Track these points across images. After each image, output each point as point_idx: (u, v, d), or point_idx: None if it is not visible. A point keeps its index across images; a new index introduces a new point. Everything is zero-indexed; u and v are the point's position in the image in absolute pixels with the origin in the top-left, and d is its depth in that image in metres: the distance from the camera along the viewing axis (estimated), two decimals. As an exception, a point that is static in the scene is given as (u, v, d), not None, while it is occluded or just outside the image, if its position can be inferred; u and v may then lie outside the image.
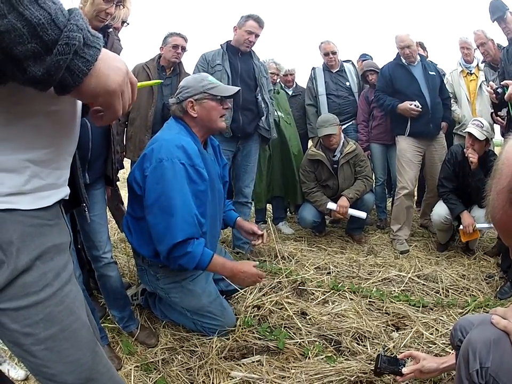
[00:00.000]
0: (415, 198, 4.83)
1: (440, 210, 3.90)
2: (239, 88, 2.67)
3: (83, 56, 0.80)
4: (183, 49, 3.97)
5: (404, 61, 4.30)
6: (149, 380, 2.28)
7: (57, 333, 1.01)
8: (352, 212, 4.19)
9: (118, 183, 3.05)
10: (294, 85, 5.26)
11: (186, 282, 2.59)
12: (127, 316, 2.66)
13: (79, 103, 1.08)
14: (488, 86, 3.51)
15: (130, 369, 2.35)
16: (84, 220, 2.26)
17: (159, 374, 2.31)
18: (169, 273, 2.56)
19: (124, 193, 6.70)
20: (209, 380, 2.21)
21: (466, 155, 3.71)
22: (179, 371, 2.31)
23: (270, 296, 2.98)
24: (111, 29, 2.36)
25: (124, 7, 2.06)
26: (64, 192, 1.11)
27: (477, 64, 4.50)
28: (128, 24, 3.13)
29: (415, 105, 4.11)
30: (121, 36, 3.11)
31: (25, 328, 0.97)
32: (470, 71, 4.55)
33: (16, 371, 2.34)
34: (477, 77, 4.40)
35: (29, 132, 0.93)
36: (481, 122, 3.66)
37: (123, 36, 3.21)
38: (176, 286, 2.61)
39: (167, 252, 2.36)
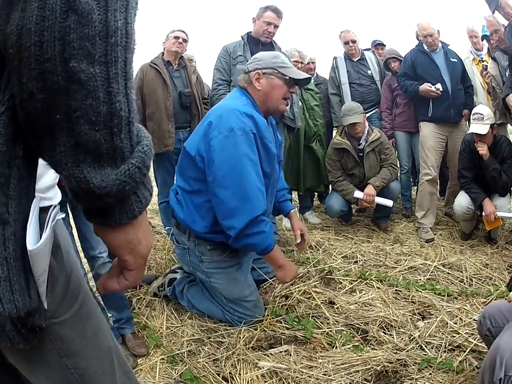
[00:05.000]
0: (438, 186, 4.80)
1: (462, 201, 3.90)
2: (310, 76, 2.62)
3: (139, 195, 0.68)
4: (184, 40, 4.06)
5: (425, 47, 4.30)
6: (175, 371, 2.28)
7: (94, 326, 0.97)
8: (379, 200, 4.21)
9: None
10: (315, 75, 5.26)
11: (232, 269, 2.60)
12: (124, 317, 2.57)
13: None
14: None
15: (156, 361, 2.37)
16: (80, 221, 2.24)
17: (185, 366, 2.31)
18: (216, 257, 2.55)
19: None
20: (236, 370, 2.22)
21: (476, 149, 3.75)
22: (205, 362, 2.31)
23: (298, 285, 3.03)
24: None
25: None
26: None
27: (487, 50, 4.48)
28: None
29: (435, 88, 4.15)
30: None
31: (81, 332, 0.91)
32: (481, 58, 4.54)
33: None
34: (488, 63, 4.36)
35: None
36: (481, 114, 3.67)
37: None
38: (221, 272, 2.61)
39: (244, 226, 2.27)
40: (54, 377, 0.93)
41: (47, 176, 0.90)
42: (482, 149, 3.68)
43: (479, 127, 3.64)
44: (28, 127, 0.60)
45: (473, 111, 3.80)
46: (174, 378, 2.23)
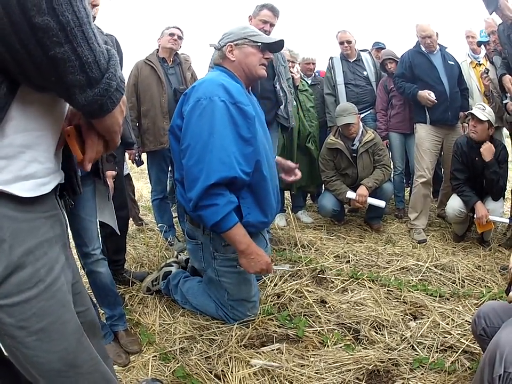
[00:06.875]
0: (431, 188, 4.84)
1: (454, 204, 3.92)
2: (283, 38, 2.58)
3: (112, 97, 0.98)
4: (179, 37, 4.04)
5: (423, 49, 4.30)
6: (167, 369, 2.27)
7: (48, 325, 1.06)
8: (371, 200, 4.22)
9: (134, 174, 2.98)
10: (313, 75, 5.27)
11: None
12: (117, 314, 2.57)
13: None
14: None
15: (149, 358, 2.36)
16: (74, 218, 2.23)
17: (178, 363, 2.30)
18: (230, 254, 2.47)
19: (142, 184, 6.85)
20: (229, 368, 2.22)
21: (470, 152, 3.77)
22: (198, 360, 2.30)
23: (290, 284, 3.05)
24: None
25: None
26: (61, 175, 1.17)
27: (485, 54, 4.51)
28: None
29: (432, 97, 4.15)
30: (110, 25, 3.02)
31: (20, 322, 1.02)
32: (479, 61, 4.59)
33: None
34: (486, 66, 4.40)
35: (20, 116, 0.96)
36: (484, 106, 3.72)
37: (120, 31, 3.13)
38: (233, 272, 2.55)
39: (198, 197, 2.19)
40: (3, 345, 1.11)
41: (10, 168, 0.96)
42: (484, 148, 3.71)
43: (479, 112, 3.65)
44: (38, 85, 0.93)
45: (477, 103, 3.86)
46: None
